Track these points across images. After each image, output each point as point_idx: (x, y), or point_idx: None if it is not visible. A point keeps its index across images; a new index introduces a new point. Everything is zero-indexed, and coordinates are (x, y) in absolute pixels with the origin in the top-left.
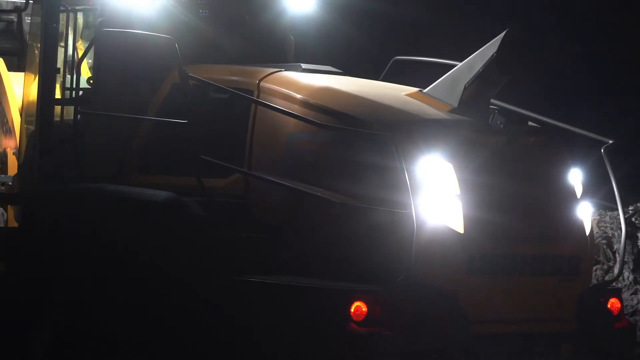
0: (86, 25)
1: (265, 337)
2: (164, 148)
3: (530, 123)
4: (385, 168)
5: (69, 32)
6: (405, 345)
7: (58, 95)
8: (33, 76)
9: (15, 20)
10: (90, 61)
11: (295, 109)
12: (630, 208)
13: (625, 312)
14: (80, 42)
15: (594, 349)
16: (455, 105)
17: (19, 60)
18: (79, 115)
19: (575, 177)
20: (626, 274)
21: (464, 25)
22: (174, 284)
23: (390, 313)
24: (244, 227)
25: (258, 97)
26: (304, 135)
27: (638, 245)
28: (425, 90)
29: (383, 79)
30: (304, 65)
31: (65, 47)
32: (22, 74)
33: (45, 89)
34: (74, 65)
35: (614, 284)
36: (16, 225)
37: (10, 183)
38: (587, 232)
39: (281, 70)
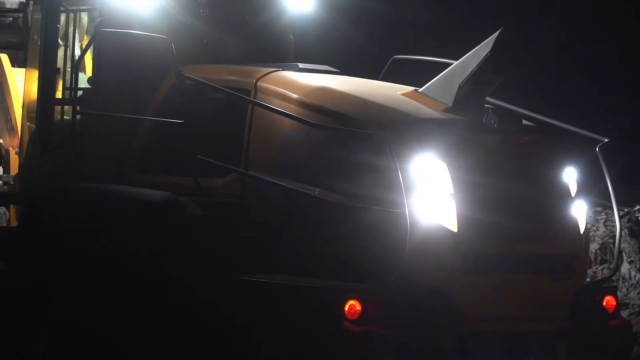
0: (92, 22)
1: (260, 335)
2: (163, 148)
3: (524, 122)
4: (379, 167)
5: (75, 31)
6: (399, 344)
7: (59, 95)
8: (34, 72)
9: (21, 15)
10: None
11: (291, 109)
12: (638, 207)
13: (632, 311)
14: (86, 38)
15: (589, 347)
16: (450, 104)
17: (25, 55)
18: (78, 115)
19: (570, 175)
20: (633, 272)
21: (464, 24)
22: (172, 283)
23: (384, 312)
24: (242, 227)
25: (255, 96)
26: (299, 135)
27: None
28: (420, 90)
29: (382, 78)
30: (301, 65)
31: (66, 46)
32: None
33: (46, 89)
34: (74, 65)
35: (611, 280)
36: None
37: (12, 182)
38: (582, 231)
39: (278, 70)
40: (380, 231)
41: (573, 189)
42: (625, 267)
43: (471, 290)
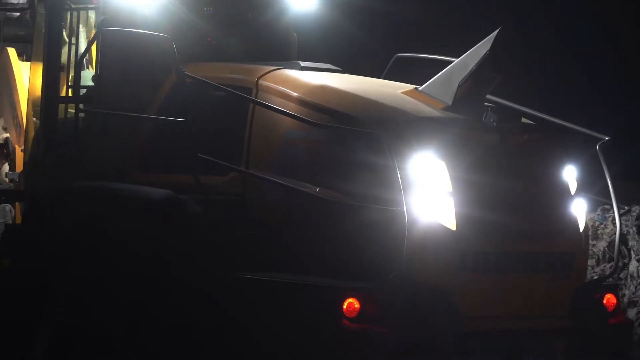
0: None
1: (259, 333)
2: (164, 146)
3: (524, 120)
4: (378, 166)
5: (81, 29)
6: (398, 342)
7: (63, 92)
8: (39, 66)
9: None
10: None
11: (291, 107)
12: None
13: (638, 310)
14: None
15: (588, 345)
16: (450, 102)
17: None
18: (80, 113)
19: (570, 174)
20: None
21: (465, 23)
22: (172, 281)
23: (383, 310)
24: (242, 225)
25: (256, 95)
26: (299, 133)
27: None
28: (420, 88)
29: (385, 76)
30: (302, 63)
31: (70, 44)
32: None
33: (49, 87)
34: (76, 62)
35: (614, 278)
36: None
37: (17, 180)
38: (582, 229)
39: (280, 68)
40: (379, 229)
41: (573, 188)
42: (633, 265)
43: (470, 289)
